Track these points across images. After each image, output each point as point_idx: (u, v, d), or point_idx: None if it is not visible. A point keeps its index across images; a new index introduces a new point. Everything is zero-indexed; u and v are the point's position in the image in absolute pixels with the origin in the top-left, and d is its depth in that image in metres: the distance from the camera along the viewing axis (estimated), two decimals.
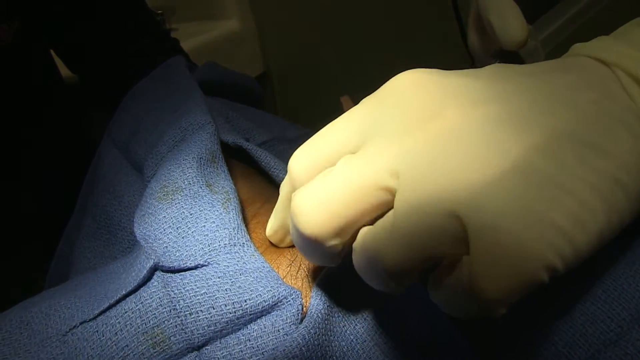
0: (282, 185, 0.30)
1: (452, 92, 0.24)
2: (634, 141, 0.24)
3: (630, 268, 0.27)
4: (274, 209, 0.32)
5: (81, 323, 0.28)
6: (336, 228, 0.24)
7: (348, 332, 0.29)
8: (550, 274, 0.21)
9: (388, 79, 0.26)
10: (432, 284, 0.24)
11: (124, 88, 0.46)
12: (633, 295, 0.26)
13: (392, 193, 0.23)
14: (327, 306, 0.29)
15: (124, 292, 0.29)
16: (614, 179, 0.23)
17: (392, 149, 0.24)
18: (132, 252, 0.35)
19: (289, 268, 0.32)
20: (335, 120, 0.27)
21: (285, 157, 0.37)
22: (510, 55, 0.39)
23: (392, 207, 0.23)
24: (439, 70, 0.26)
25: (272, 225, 0.32)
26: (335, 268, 0.29)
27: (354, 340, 0.29)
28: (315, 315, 0.28)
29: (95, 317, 0.28)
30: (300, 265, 0.32)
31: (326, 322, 0.29)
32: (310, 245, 0.25)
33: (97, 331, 0.28)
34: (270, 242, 0.33)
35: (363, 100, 0.28)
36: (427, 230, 0.22)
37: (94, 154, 0.44)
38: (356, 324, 0.29)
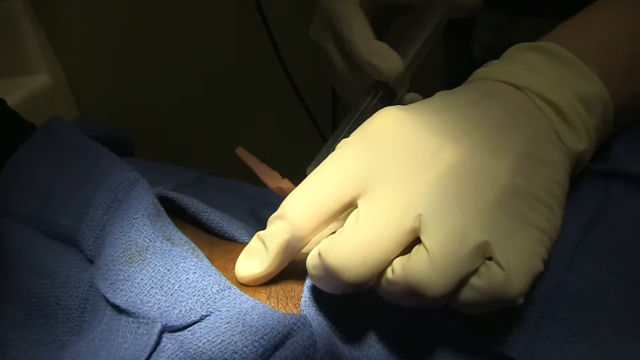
0: (272, 233, 0.31)
1: (436, 130, 0.29)
2: (558, 150, 0.31)
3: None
4: (250, 255, 0.33)
5: None
6: (375, 273, 0.27)
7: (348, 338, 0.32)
8: (544, 264, 0.28)
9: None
10: (466, 291, 0.28)
11: None
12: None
13: (416, 232, 0.27)
14: (326, 323, 0.31)
15: None
16: (558, 183, 0.30)
17: (407, 194, 0.28)
18: (91, 326, 0.33)
19: (268, 301, 0.33)
20: (324, 164, 0.30)
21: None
22: (382, 86, 0.44)
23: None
24: (407, 107, 0.31)
25: (254, 270, 0.33)
26: (308, 292, 0.32)
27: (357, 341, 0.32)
28: (323, 333, 0.30)
29: None
30: (277, 296, 0.34)
31: (331, 337, 0.31)
32: (344, 288, 0.28)
33: None
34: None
35: (345, 142, 0.31)
36: (464, 259, 0.26)
37: None
38: (350, 332, 0.32)
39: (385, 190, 0.28)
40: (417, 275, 0.26)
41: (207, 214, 0.40)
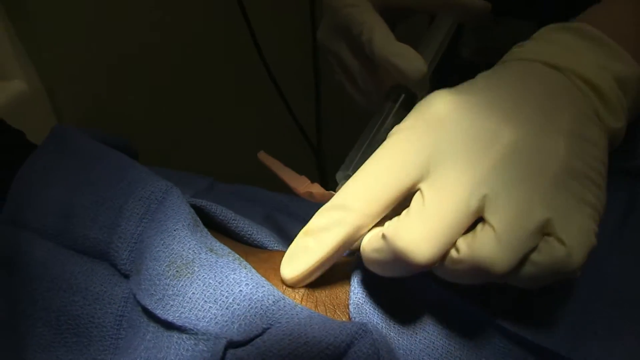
0: (327, 226, 0.31)
1: (490, 110, 0.30)
2: (599, 130, 0.31)
3: None
4: (294, 255, 0.33)
5: None
6: (442, 253, 0.28)
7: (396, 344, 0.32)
8: (597, 238, 0.29)
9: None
10: (527, 267, 0.28)
11: None
12: None
13: (480, 212, 0.28)
14: (380, 329, 0.31)
15: None
16: (601, 161, 0.30)
17: (471, 175, 0.28)
18: (131, 344, 0.31)
19: (317, 310, 0.33)
20: (380, 152, 0.30)
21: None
22: (403, 89, 0.44)
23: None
24: (455, 89, 0.31)
25: (302, 268, 0.32)
26: (355, 298, 0.32)
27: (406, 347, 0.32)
28: (381, 339, 0.30)
29: None
30: (325, 305, 0.33)
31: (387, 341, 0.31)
32: (408, 271, 0.28)
33: None
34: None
35: (400, 128, 0.31)
36: (528, 235, 0.27)
37: None
38: (397, 334, 0.32)
39: (449, 173, 0.29)
40: (485, 253, 0.27)
41: (236, 222, 0.39)
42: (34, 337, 0.33)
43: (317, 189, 0.39)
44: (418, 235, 0.27)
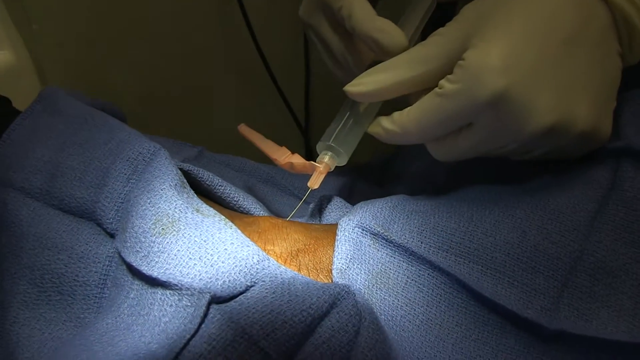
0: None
1: None
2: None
3: None
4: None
5: None
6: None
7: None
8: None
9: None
10: None
11: None
12: None
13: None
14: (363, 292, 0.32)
15: (188, 336, 0.26)
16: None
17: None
18: (115, 302, 0.31)
19: (300, 273, 0.33)
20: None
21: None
22: None
23: None
24: None
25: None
26: (338, 263, 0.33)
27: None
28: (364, 303, 0.30)
29: None
30: (308, 269, 0.34)
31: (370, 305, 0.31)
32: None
33: None
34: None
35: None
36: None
37: None
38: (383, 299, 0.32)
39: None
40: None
41: (222, 188, 0.39)
42: (18, 294, 0.33)
43: (297, 159, 0.39)
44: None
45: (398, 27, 0.43)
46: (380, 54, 0.43)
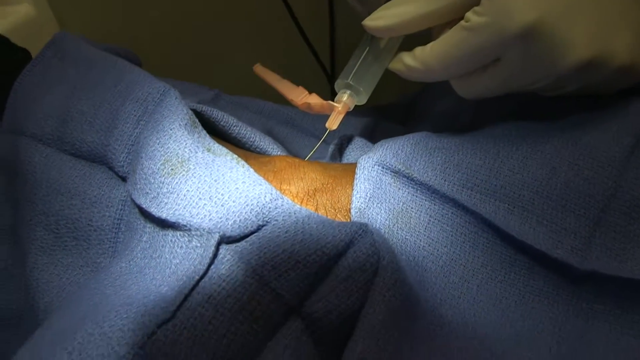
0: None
1: None
2: None
3: None
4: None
5: (158, 326, 0.24)
6: None
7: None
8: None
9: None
10: None
11: None
12: None
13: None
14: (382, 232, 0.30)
15: (197, 277, 0.26)
16: None
17: None
18: (129, 246, 0.31)
19: (317, 212, 0.32)
20: None
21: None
22: None
23: None
24: None
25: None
26: (357, 202, 0.31)
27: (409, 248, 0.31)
28: (383, 242, 0.29)
29: (173, 315, 0.25)
30: (325, 208, 0.32)
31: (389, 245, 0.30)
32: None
33: (185, 328, 0.24)
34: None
35: None
36: None
37: None
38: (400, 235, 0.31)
39: None
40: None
41: (237, 128, 0.38)
42: (34, 240, 0.33)
43: (315, 99, 0.37)
44: None
45: None
46: None
